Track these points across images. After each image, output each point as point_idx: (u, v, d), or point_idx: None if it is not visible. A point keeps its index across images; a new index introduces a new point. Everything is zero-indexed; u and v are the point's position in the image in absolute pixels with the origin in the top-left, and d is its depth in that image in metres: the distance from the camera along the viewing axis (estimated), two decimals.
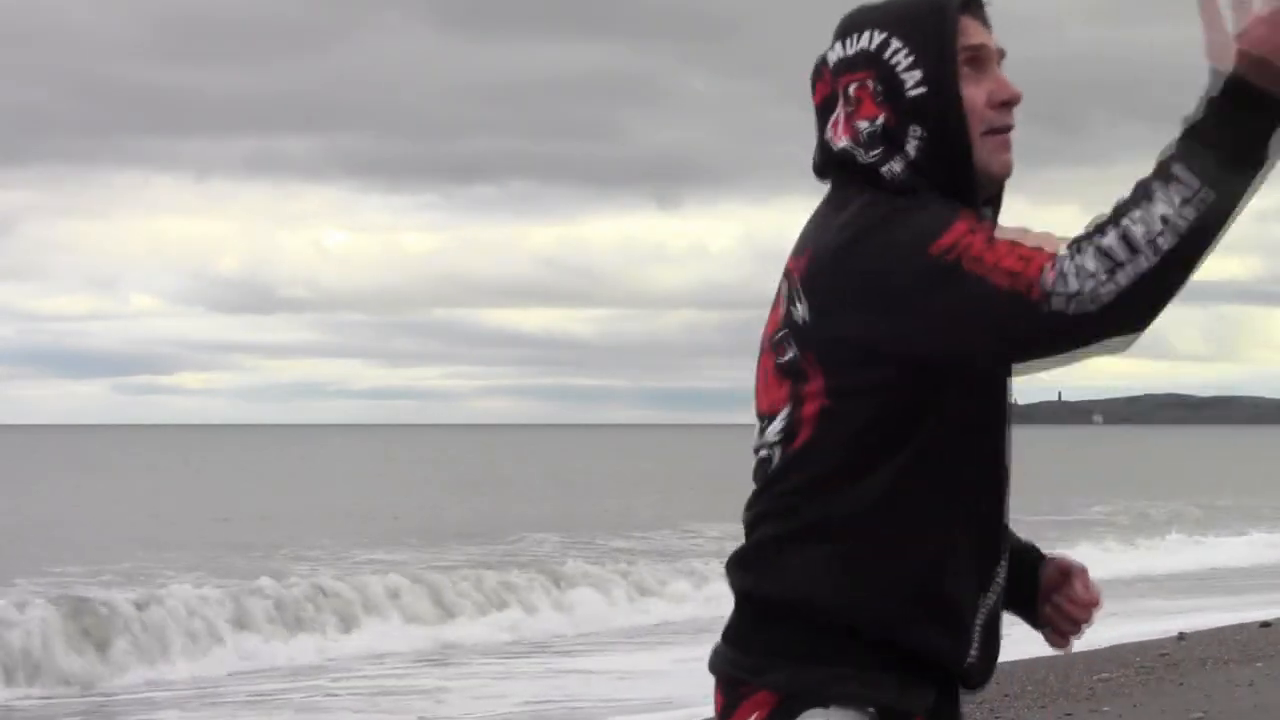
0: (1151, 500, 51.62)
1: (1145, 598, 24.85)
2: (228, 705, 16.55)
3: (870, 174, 2.95)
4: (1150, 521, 43.18)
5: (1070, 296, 2.72)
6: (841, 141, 2.98)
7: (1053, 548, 3.28)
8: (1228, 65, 2.71)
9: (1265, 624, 18.43)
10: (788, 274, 2.98)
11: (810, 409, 2.91)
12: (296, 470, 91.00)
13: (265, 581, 22.20)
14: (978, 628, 2.96)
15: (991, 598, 2.99)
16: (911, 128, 2.94)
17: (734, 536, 3.11)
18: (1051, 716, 12.64)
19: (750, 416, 3.03)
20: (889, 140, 2.94)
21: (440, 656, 19.81)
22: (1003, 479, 3.00)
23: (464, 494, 60.75)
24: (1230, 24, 2.72)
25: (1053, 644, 3.21)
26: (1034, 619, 3.19)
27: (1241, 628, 18.62)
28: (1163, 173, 2.72)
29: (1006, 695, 13.29)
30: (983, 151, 2.96)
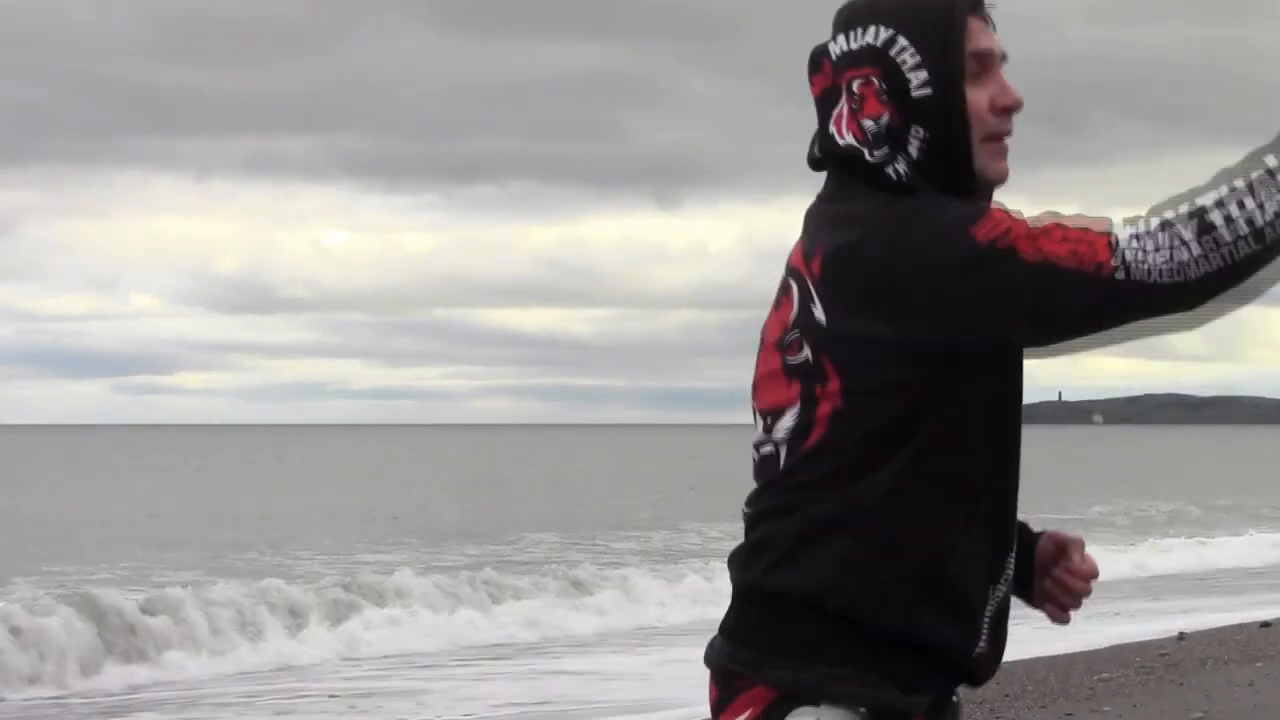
0: (1151, 500, 51.66)
1: (1145, 598, 24.86)
2: (207, 707, 16.44)
3: (876, 172, 2.94)
4: (1150, 521, 43.21)
5: (1146, 269, 2.75)
6: (847, 138, 2.96)
7: None
8: None
9: (1265, 624, 18.43)
10: (797, 274, 2.95)
11: (825, 409, 2.90)
12: (296, 470, 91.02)
13: (267, 582, 22.15)
14: (986, 620, 2.96)
15: (1001, 589, 2.99)
16: (914, 128, 2.92)
17: (734, 536, 3.10)
18: (1051, 716, 12.64)
19: (750, 416, 3.02)
20: (893, 139, 2.93)
21: (422, 658, 19.73)
22: (1013, 472, 2.99)
23: (464, 494, 60.75)
24: None
25: (1053, 618, 3.20)
26: (1031, 597, 3.18)
27: (1241, 628, 18.61)
28: (1258, 165, 2.76)
29: (1007, 695, 13.28)
30: (981, 157, 2.95)
